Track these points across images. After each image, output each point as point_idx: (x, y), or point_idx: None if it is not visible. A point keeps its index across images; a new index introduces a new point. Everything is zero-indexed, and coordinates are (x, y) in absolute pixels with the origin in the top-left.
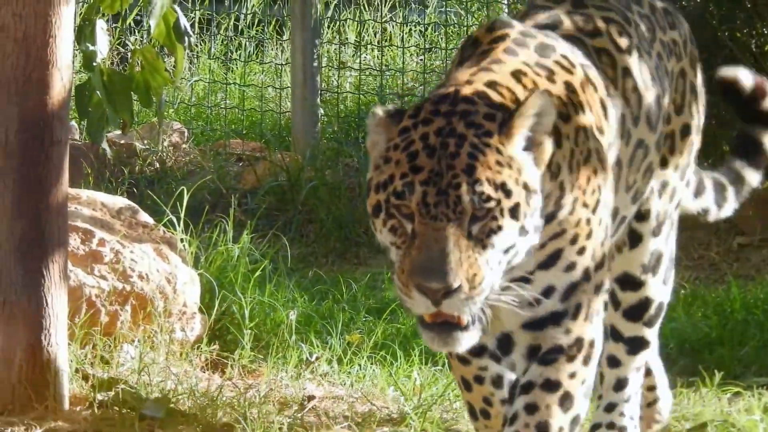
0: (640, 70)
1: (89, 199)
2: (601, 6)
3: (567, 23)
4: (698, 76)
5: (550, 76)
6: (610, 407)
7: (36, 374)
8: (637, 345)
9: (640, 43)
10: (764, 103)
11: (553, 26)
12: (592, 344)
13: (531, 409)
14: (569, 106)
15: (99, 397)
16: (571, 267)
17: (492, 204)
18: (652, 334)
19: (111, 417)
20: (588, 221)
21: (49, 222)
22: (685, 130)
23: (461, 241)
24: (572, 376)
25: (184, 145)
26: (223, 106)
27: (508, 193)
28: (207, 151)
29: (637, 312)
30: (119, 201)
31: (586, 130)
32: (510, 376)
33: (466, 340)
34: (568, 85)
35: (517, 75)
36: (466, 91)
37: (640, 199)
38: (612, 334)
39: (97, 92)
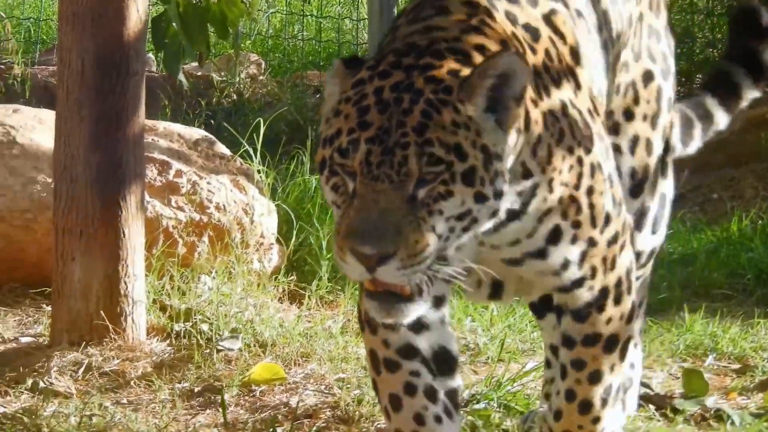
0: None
1: (166, 130)
2: None
3: None
4: (660, 18)
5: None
6: None
7: (113, 305)
8: None
9: None
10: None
11: None
12: (618, 284)
13: (579, 364)
14: (540, 87)
15: (176, 328)
16: (575, 239)
17: (442, 167)
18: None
19: (188, 348)
20: (572, 198)
21: (126, 153)
22: (647, 76)
23: (403, 205)
24: (608, 321)
25: (261, 77)
26: (300, 38)
27: (462, 156)
28: (284, 83)
29: None
30: (196, 132)
31: (554, 112)
32: (445, 387)
33: (411, 312)
34: (547, 53)
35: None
36: (441, 45)
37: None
38: None
39: (174, 24)
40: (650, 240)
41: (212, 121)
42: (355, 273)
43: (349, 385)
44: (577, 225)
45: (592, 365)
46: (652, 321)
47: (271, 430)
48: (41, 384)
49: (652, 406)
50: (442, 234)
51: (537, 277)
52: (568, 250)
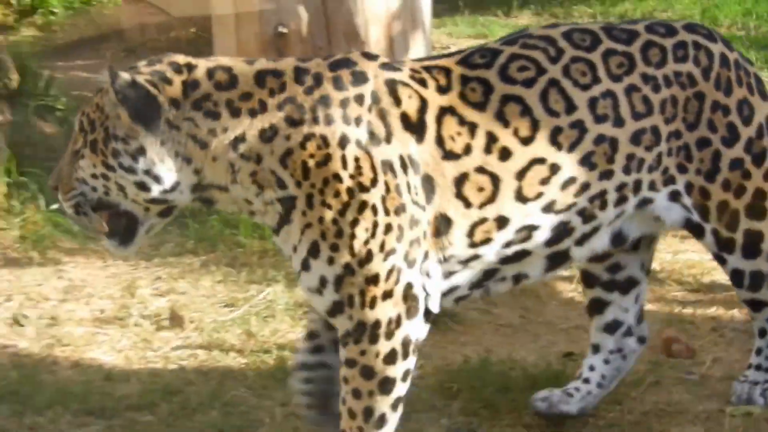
0: (544, 95)
1: None
2: (527, 44)
3: (453, 57)
4: (734, 94)
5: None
6: None
7: None
8: None
9: (571, 75)
10: None
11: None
12: (377, 325)
13: (345, 380)
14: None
15: None
16: (330, 261)
17: (81, 134)
18: None
19: None
20: (335, 221)
21: None
22: (702, 142)
23: (69, 159)
24: (363, 353)
25: None
26: None
27: (92, 130)
28: None
29: None
30: None
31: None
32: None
33: (111, 248)
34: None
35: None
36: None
37: (585, 210)
38: None
39: None
40: None
41: None
42: None
43: None
44: (335, 248)
45: (353, 383)
46: None
47: None
48: None
49: None
50: (94, 186)
51: (309, 294)
52: (325, 269)
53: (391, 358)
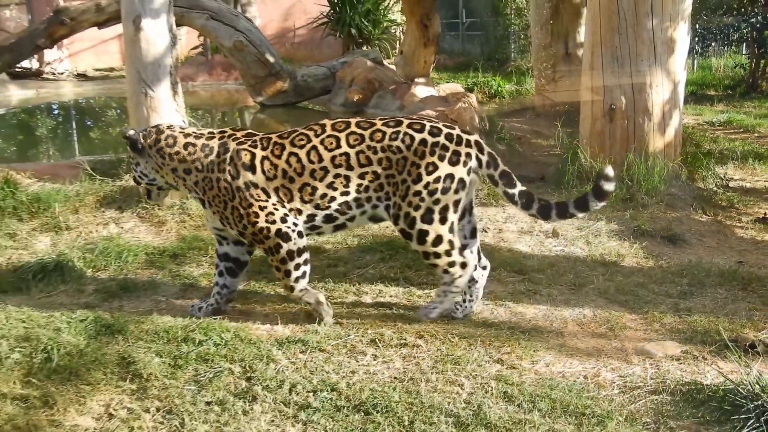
0: (308, 153)
1: None
2: (310, 127)
3: (278, 134)
4: (424, 161)
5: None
6: None
7: None
8: None
9: (324, 144)
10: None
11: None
12: (271, 249)
13: (273, 269)
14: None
15: None
16: (233, 227)
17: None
18: None
19: None
20: (222, 212)
21: None
22: (403, 181)
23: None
24: (272, 260)
25: None
26: None
27: (131, 159)
28: None
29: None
30: None
31: (213, 173)
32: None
33: (148, 201)
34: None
35: (187, 137)
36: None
37: (360, 206)
38: None
39: None
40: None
41: None
42: None
43: None
44: (230, 222)
45: (276, 274)
46: None
47: None
48: None
49: None
50: (134, 175)
51: (236, 235)
52: (235, 228)
53: (283, 261)
